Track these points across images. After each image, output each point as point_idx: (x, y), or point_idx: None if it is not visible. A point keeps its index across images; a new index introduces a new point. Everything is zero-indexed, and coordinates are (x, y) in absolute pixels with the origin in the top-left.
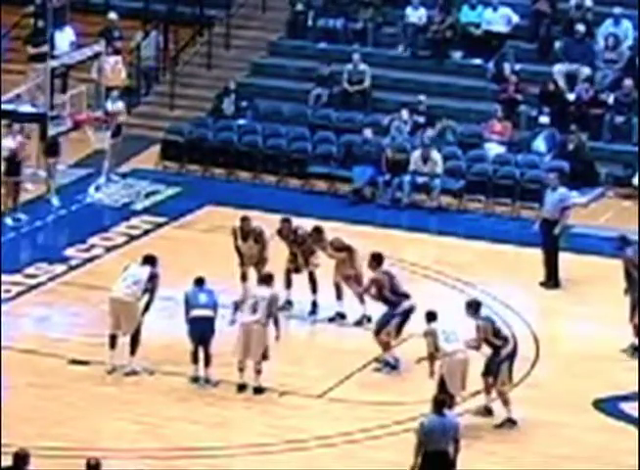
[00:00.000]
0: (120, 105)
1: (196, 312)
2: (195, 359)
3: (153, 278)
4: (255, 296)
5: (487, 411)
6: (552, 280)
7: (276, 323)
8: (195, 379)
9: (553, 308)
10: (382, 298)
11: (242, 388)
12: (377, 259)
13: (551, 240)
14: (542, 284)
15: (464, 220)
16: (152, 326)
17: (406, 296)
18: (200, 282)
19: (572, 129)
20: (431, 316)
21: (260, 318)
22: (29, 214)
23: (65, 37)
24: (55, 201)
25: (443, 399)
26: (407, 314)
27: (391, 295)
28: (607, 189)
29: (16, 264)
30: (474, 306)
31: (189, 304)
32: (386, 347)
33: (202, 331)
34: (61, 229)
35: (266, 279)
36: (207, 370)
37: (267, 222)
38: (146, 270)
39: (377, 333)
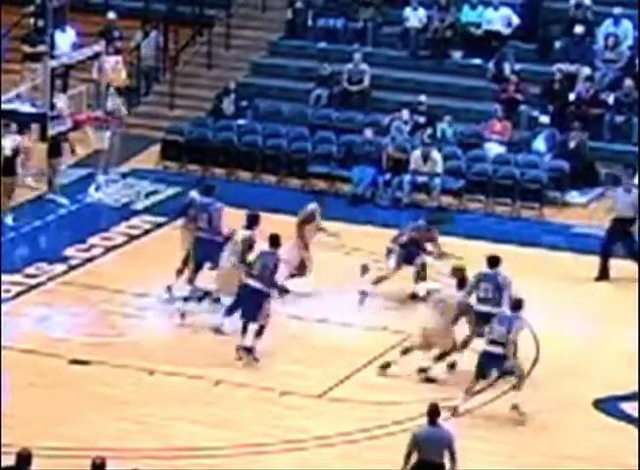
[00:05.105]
0: (118, 102)
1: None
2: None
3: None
4: None
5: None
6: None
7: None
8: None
9: (553, 308)
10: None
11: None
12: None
13: (626, 238)
14: (597, 279)
15: (464, 220)
16: (152, 326)
17: None
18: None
19: (574, 126)
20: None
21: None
22: (29, 214)
23: (66, 38)
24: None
25: (437, 410)
26: None
27: None
28: (607, 189)
29: (16, 264)
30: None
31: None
32: None
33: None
34: (61, 229)
35: None
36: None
37: (267, 222)
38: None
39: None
